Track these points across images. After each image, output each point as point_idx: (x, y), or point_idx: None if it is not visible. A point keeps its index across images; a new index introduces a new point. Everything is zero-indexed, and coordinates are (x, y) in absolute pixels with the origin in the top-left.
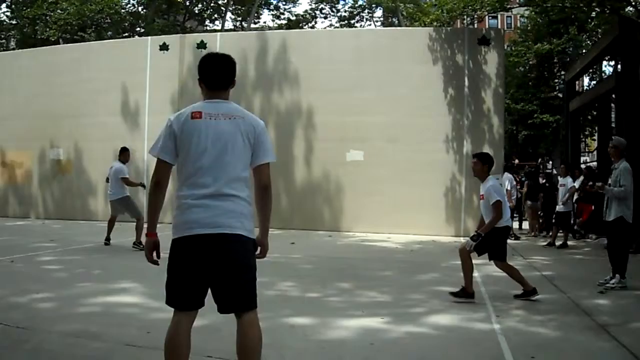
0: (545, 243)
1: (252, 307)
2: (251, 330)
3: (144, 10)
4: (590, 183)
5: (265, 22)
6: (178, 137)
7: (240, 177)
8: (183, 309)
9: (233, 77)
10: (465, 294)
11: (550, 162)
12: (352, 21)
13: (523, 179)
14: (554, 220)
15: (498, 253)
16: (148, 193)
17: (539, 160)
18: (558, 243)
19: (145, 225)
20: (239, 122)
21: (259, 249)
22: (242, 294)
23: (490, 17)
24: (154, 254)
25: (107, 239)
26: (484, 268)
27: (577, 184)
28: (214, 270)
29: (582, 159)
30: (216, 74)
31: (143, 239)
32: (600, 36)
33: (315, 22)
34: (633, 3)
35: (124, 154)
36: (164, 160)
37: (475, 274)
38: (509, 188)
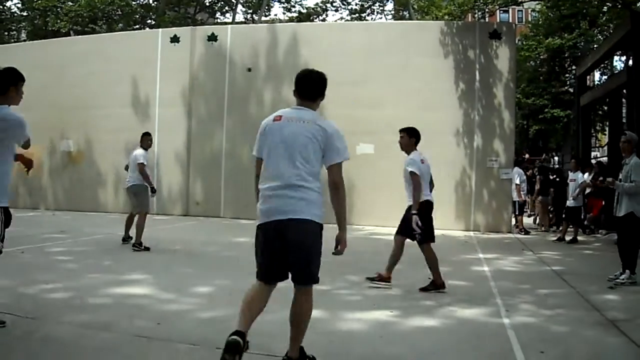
0: (555, 238)
1: (308, 283)
2: (303, 304)
3: (155, 3)
4: (601, 178)
5: (276, 15)
6: (264, 135)
7: (309, 171)
8: (266, 282)
9: (321, 91)
10: (436, 286)
11: (555, 158)
12: (363, 14)
13: (536, 172)
14: (564, 215)
15: (422, 233)
16: (254, 186)
17: (543, 155)
18: (568, 238)
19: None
20: (313, 126)
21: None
22: (300, 270)
23: (501, 11)
24: None
25: (125, 238)
26: (494, 262)
27: (587, 178)
28: (286, 249)
29: (593, 154)
30: (306, 86)
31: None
32: (611, 31)
33: (326, 15)
34: None
35: (144, 140)
36: (259, 158)
37: (485, 268)
38: (518, 182)
